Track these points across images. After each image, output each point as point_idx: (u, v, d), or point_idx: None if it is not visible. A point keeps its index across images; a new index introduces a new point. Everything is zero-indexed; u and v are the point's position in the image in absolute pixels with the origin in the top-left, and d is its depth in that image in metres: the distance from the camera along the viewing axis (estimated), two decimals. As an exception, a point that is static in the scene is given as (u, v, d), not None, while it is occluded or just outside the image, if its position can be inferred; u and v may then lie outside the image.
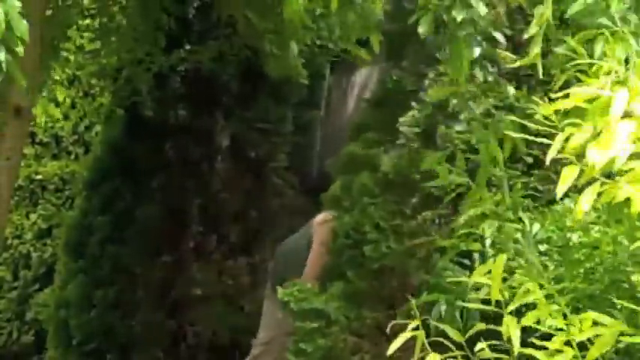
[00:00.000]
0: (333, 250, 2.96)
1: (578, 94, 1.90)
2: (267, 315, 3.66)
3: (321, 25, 4.49)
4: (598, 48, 2.21)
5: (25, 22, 2.22)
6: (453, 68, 2.93)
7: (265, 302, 3.69)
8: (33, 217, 7.02)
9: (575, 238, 2.60)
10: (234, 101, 5.48)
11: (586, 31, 2.28)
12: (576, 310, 2.00)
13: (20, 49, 2.34)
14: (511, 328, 1.94)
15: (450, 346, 2.09)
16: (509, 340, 1.94)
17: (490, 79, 3.00)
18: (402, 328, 2.13)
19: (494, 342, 2.02)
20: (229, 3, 4.42)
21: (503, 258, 2.08)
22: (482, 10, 2.79)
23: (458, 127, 3.04)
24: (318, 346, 2.62)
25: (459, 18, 2.76)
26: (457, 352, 2.07)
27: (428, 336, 2.10)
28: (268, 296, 3.67)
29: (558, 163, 1.97)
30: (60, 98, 5.23)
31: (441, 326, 2.18)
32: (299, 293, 2.72)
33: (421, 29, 2.86)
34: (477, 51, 2.93)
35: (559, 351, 1.81)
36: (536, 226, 2.77)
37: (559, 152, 1.93)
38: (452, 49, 2.91)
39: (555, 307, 1.97)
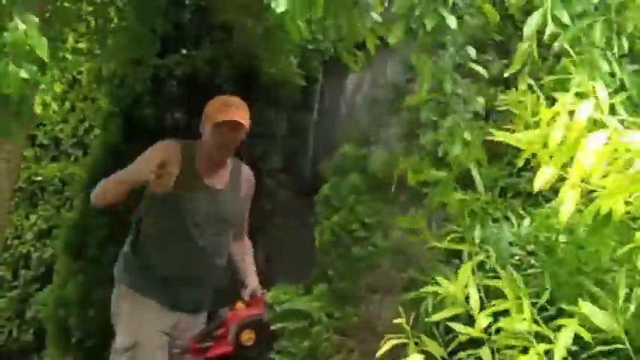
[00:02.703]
0: (321, 248, 2.98)
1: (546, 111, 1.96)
2: (129, 317, 3.29)
3: (314, 28, 4.55)
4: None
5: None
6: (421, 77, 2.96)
7: (125, 303, 3.35)
8: (33, 217, 7.10)
9: (561, 238, 2.65)
10: (229, 104, 5.53)
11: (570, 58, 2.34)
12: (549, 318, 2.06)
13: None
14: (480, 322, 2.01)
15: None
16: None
17: (460, 91, 3.03)
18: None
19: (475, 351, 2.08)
20: (224, 8, 4.48)
21: (469, 266, 2.14)
22: (453, 22, 2.82)
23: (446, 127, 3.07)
24: (302, 346, 2.65)
25: (429, 26, 2.78)
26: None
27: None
28: (129, 296, 3.46)
29: None
30: (57, 91, 5.24)
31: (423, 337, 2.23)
32: (283, 295, 2.75)
33: (391, 39, 2.88)
34: (448, 62, 2.95)
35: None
36: (524, 227, 2.81)
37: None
38: (418, 59, 2.94)
39: (527, 314, 2.01)
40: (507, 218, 2.88)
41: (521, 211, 3.13)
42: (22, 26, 2.26)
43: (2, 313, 6.95)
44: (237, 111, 3.19)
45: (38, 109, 5.57)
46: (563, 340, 1.87)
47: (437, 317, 2.25)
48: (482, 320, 2.03)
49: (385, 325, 2.36)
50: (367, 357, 2.80)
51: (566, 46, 2.31)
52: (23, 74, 2.28)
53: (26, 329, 6.79)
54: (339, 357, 2.79)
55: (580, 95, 1.98)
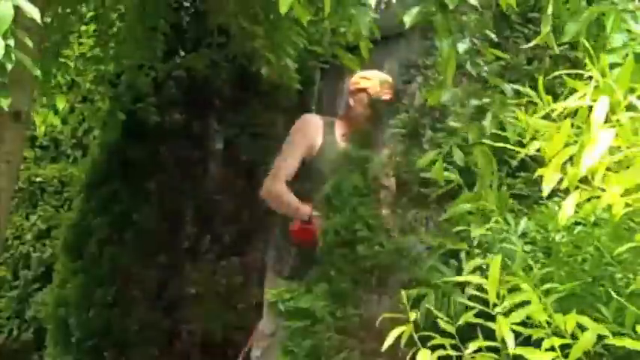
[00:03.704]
0: (323, 249, 2.98)
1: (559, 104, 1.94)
2: (272, 303, 3.43)
3: (312, 30, 4.58)
4: (609, 22, 2.27)
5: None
6: (442, 67, 2.96)
7: (269, 289, 3.42)
8: (32, 218, 7.12)
9: (558, 238, 2.66)
10: (227, 106, 5.57)
11: (597, 6, 2.32)
12: (560, 310, 2.02)
13: (28, 41, 2.42)
14: (503, 328, 1.95)
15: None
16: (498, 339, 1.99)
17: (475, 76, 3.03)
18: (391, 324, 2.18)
19: (484, 342, 2.05)
20: (221, 11, 4.51)
21: (499, 258, 2.09)
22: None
23: (453, 123, 3.07)
24: (304, 345, 2.67)
25: (452, 6, 2.76)
26: (447, 343, 2.11)
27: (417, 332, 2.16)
28: (273, 282, 3.49)
29: (542, 166, 2.02)
30: (59, 105, 5.30)
31: (435, 313, 2.22)
32: (286, 293, 2.75)
33: (407, 18, 2.87)
34: (461, 47, 2.95)
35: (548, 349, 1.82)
36: (522, 227, 2.82)
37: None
38: (440, 48, 2.93)
39: (542, 306, 1.98)
40: (505, 219, 2.89)
41: (518, 212, 3.13)
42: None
43: (2, 313, 6.98)
44: (391, 91, 3.33)
45: (42, 128, 5.61)
46: (585, 342, 1.80)
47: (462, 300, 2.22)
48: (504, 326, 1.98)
49: (386, 325, 2.37)
50: (369, 356, 2.82)
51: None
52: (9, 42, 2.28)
53: (26, 328, 6.82)
54: (340, 356, 2.81)
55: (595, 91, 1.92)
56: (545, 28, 2.41)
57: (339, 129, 3.47)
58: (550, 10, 2.39)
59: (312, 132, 3.47)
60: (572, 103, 1.89)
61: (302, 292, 2.89)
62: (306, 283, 3.11)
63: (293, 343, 2.77)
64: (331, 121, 3.54)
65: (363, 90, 3.48)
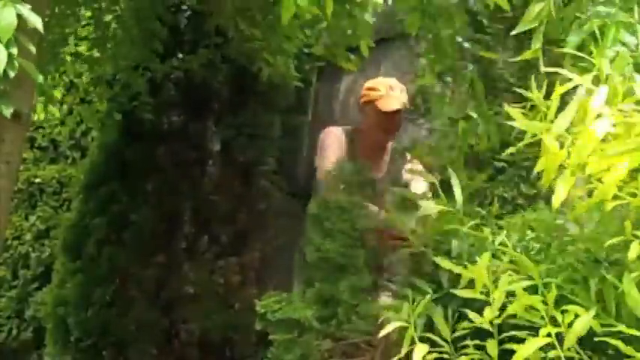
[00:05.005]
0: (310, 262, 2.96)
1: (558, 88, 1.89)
2: None
3: (308, 32, 4.62)
4: (610, 34, 2.24)
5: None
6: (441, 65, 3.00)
7: None
8: (32, 218, 7.15)
9: (548, 240, 2.67)
10: (225, 107, 5.60)
11: (595, 19, 2.29)
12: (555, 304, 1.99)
13: (32, 48, 2.46)
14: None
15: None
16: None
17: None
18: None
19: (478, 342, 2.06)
20: (220, 13, 4.55)
21: (488, 255, 2.08)
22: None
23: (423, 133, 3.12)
24: (293, 352, 2.66)
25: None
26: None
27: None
28: None
29: (523, 169, 2.03)
30: (57, 97, 5.33)
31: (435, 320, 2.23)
32: (275, 304, 2.73)
33: (410, 28, 2.91)
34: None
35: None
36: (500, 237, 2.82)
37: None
38: (437, 47, 2.96)
39: (538, 297, 1.96)
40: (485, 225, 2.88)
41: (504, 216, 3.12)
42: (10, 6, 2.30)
43: (2, 312, 7.01)
44: (401, 97, 3.26)
45: (41, 115, 5.64)
46: (578, 328, 1.81)
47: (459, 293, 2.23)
48: (497, 302, 1.96)
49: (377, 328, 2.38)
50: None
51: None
52: (12, 50, 2.31)
53: (25, 328, 6.85)
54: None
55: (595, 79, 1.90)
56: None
57: (361, 146, 3.36)
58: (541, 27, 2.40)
59: (339, 139, 3.40)
60: (572, 83, 1.87)
61: (291, 300, 2.88)
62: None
63: (281, 351, 2.76)
64: (351, 133, 3.43)
65: (370, 102, 3.39)
